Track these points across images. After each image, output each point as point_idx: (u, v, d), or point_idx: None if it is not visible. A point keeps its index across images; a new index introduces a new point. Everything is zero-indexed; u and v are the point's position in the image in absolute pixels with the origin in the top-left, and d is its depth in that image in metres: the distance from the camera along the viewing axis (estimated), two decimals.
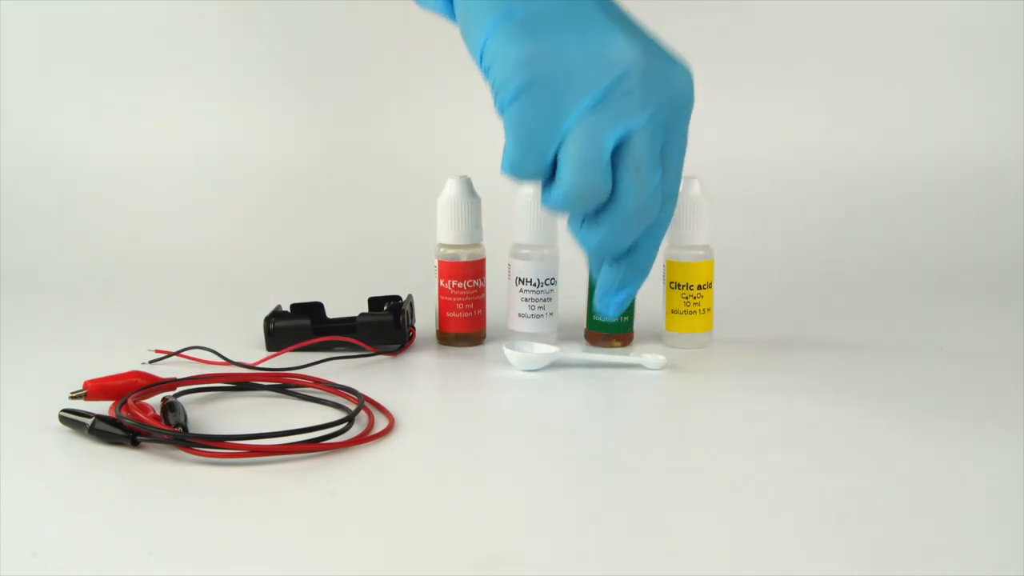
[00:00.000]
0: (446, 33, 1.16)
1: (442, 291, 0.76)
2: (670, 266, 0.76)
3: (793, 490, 0.53)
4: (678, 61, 0.57)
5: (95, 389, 0.62)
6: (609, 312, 0.62)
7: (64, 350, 0.76)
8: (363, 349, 0.74)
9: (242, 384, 0.67)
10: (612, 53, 0.54)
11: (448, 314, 0.76)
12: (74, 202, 1.09)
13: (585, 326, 0.78)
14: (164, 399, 0.61)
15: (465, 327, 0.76)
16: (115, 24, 1.15)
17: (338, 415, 0.61)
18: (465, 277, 0.76)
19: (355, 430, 0.59)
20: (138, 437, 0.56)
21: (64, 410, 0.59)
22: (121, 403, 0.59)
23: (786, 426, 0.62)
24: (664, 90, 0.56)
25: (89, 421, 0.57)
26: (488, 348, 0.77)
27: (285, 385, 0.67)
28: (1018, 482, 0.54)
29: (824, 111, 1.18)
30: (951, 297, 0.95)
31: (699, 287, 0.76)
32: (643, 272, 0.61)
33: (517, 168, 0.56)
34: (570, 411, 0.65)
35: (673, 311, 0.76)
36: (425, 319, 0.79)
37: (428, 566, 0.45)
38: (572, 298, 0.79)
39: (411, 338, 0.76)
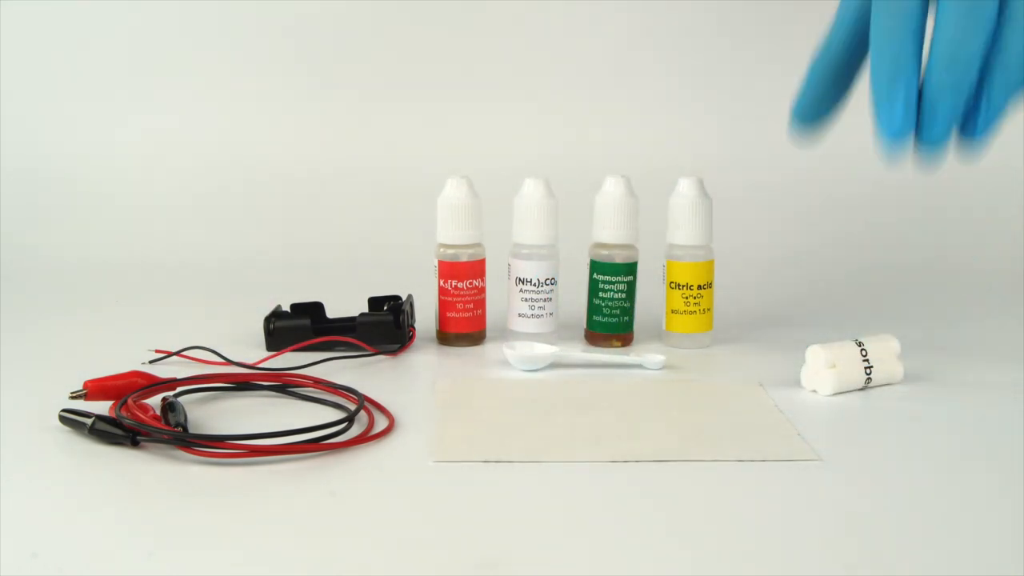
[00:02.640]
0: (446, 34, 1.16)
1: (442, 291, 0.76)
2: (670, 266, 0.76)
3: (793, 488, 0.53)
4: None
5: (95, 389, 0.62)
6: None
7: (64, 350, 0.76)
8: (363, 349, 0.74)
9: (242, 384, 0.67)
10: None
11: (448, 314, 0.76)
12: (74, 202, 1.09)
13: (585, 326, 0.78)
14: (164, 399, 0.61)
15: (465, 327, 0.76)
16: (115, 24, 1.15)
17: (338, 415, 0.61)
18: (465, 277, 0.76)
19: (355, 430, 0.59)
20: (138, 437, 0.56)
21: (64, 410, 0.59)
22: (121, 403, 0.59)
23: (786, 424, 0.62)
24: None
25: (89, 421, 0.57)
26: (488, 348, 0.77)
27: (285, 385, 0.67)
28: (1018, 482, 0.54)
29: None
30: (953, 297, 0.95)
31: (699, 287, 0.76)
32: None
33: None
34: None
35: (673, 311, 0.76)
36: (425, 319, 0.79)
37: (428, 567, 0.45)
38: (572, 298, 0.79)
39: (411, 338, 0.76)
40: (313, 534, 0.48)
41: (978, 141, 0.55)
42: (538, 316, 0.76)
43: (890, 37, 0.55)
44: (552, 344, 0.74)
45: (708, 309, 0.77)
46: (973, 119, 0.55)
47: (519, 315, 0.76)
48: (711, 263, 0.76)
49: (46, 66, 1.14)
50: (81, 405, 0.60)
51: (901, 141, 0.55)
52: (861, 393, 0.67)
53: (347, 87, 1.17)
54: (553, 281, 0.76)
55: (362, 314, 0.75)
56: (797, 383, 0.69)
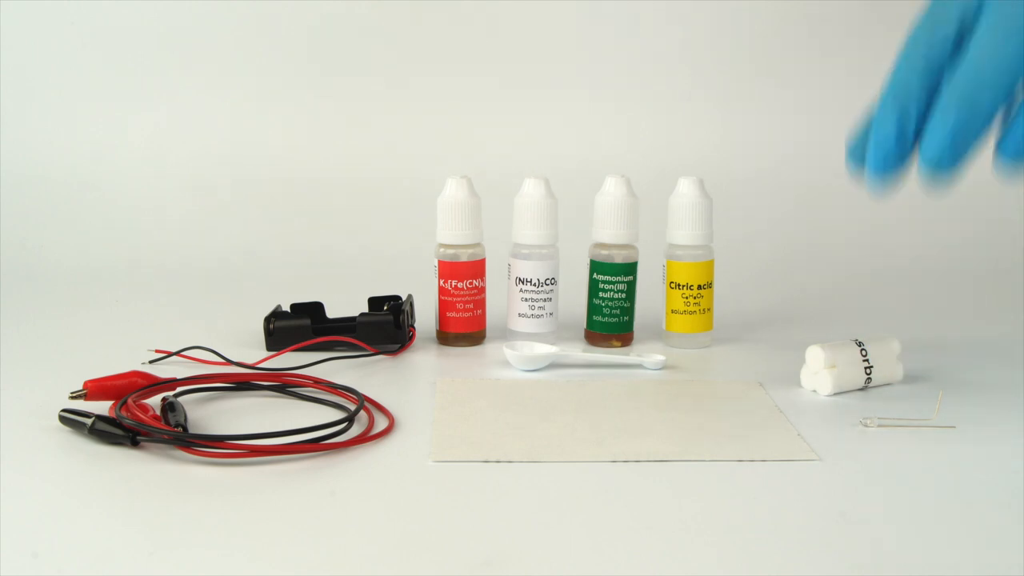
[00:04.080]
0: (446, 35, 1.16)
1: (442, 291, 0.76)
2: (670, 266, 0.76)
3: (793, 488, 0.53)
4: None
5: (95, 389, 0.62)
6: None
7: (64, 350, 0.76)
8: (363, 349, 0.74)
9: (242, 384, 0.67)
10: None
11: (448, 314, 0.76)
12: (74, 202, 1.09)
13: (585, 326, 0.78)
14: (164, 399, 0.61)
15: (465, 327, 0.76)
16: (116, 24, 1.15)
17: (338, 415, 0.61)
18: (465, 277, 0.76)
19: (355, 430, 0.59)
20: (138, 437, 0.56)
21: (64, 410, 0.59)
22: (121, 403, 0.59)
23: (786, 424, 0.62)
24: None
25: (89, 421, 0.57)
26: (488, 348, 0.77)
27: (285, 385, 0.67)
28: (1019, 481, 0.54)
29: (824, 111, 1.18)
30: (953, 297, 0.95)
31: (699, 287, 0.76)
32: None
33: None
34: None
35: (673, 311, 0.76)
36: (425, 319, 0.79)
37: (427, 566, 0.45)
38: (572, 298, 0.79)
39: (411, 338, 0.76)
40: (313, 534, 0.48)
41: (1009, 164, 0.51)
42: (538, 316, 0.76)
43: (909, 64, 0.53)
44: (552, 344, 0.74)
45: (708, 309, 0.77)
46: (1006, 139, 0.50)
47: (519, 315, 0.76)
48: (711, 263, 0.76)
49: (46, 66, 1.14)
50: (81, 405, 0.60)
51: (889, 164, 0.52)
52: (861, 393, 0.67)
53: (347, 87, 1.17)
54: (553, 281, 0.76)
55: (362, 314, 0.75)
56: (797, 383, 0.69)
